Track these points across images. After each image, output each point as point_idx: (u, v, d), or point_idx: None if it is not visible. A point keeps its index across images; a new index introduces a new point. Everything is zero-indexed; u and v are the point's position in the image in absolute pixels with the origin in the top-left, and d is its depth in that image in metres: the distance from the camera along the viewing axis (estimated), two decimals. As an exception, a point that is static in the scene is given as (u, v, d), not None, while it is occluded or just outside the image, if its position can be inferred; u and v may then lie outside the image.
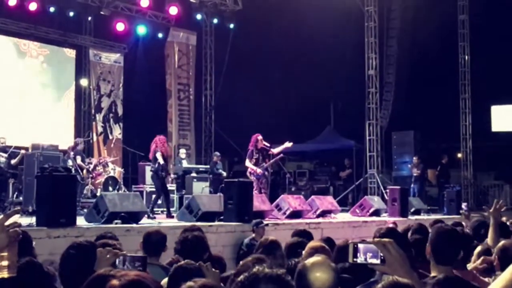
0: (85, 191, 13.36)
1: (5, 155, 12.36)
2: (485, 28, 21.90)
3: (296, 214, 11.85)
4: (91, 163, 14.08)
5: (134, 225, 8.70)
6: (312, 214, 12.47)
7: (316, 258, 3.03)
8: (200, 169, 14.87)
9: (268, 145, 12.53)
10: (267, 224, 9.63)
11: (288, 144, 12.45)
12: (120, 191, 13.24)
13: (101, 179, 13.69)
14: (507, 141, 21.84)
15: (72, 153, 13.52)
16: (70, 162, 12.96)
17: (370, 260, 2.28)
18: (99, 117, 18.52)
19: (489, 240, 4.85)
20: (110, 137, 18.64)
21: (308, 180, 21.03)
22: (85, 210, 10.38)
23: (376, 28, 18.07)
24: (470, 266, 4.40)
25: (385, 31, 21.06)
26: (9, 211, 2.31)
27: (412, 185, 17.37)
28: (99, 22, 18.52)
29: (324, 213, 12.69)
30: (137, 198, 9.85)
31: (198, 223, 8.29)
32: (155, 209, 11.70)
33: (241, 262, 3.65)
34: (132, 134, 18.08)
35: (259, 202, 11.01)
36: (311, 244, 4.49)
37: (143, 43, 19.10)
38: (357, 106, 19.60)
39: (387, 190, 14.95)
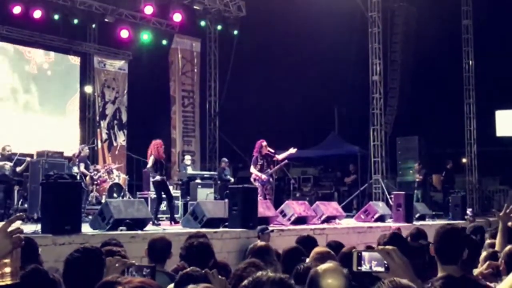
0: (90, 198, 13.38)
1: (10, 163, 12.36)
2: (489, 33, 21.90)
3: (300, 220, 11.82)
4: (97, 170, 14.10)
5: (139, 231, 8.70)
6: (317, 220, 12.44)
7: (328, 265, 3.02)
8: (205, 175, 14.88)
9: (273, 151, 12.54)
10: (272, 230, 9.61)
11: (292, 150, 12.45)
12: (124, 198, 13.27)
13: (106, 186, 13.71)
14: (512, 146, 21.82)
15: (77, 160, 13.55)
16: (75, 169, 12.99)
17: (375, 268, 2.28)
18: (104, 124, 18.56)
19: (497, 244, 4.82)
20: (115, 144, 18.67)
21: (313, 186, 21.02)
22: (90, 217, 10.41)
23: (380, 33, 18.05)
24: (476, 271, 4.38)
25: (389, 37, 21.07)
26: (11, 217, 2.31)
27: (415, 191, 17.36)
28: (103, 30, 18.55)
29: (329, 219, 12.66)
30: (141, 204, 9.84)
31: (203, 230, 8.29)
32: (159, 216, 11.67)
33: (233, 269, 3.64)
34: (137, 141, 18.06)
35: (264, 208, 10.99)
36: (317, 249, 4.49)
37: (147, 50, 19.11)
38: (362, 112, 19.59)
39: (392, 196, 14.91)
